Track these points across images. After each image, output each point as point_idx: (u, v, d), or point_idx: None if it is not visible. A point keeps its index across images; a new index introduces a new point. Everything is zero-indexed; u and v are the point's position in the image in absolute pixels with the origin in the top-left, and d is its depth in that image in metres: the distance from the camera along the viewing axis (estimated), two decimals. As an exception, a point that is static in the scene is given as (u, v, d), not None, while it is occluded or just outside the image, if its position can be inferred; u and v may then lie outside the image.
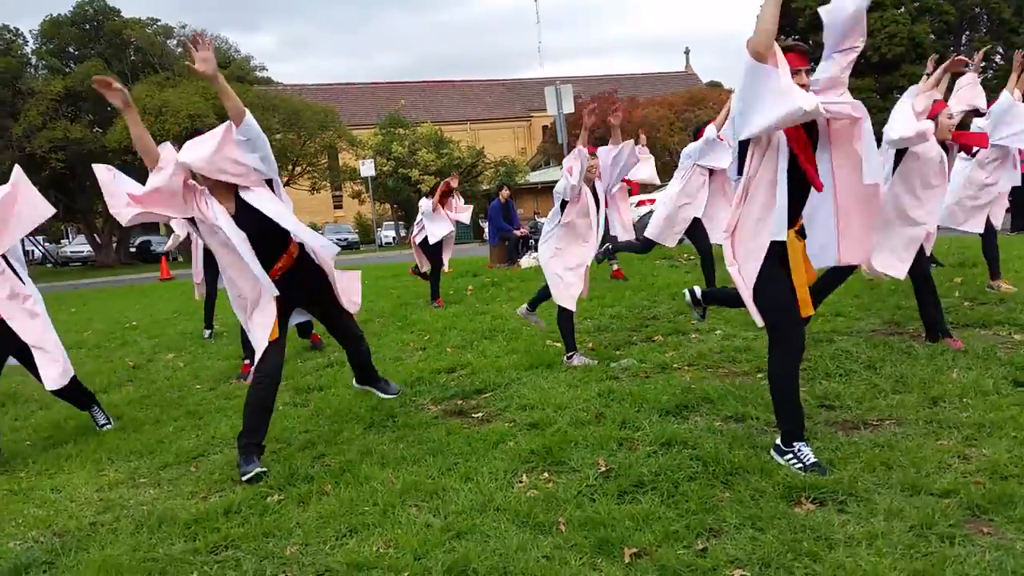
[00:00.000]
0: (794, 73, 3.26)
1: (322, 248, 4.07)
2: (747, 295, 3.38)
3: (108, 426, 5.00)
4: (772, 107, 3.10)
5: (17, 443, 4.96)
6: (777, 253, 3.34)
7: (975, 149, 6.16)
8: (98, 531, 3.37)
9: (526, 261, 13.16)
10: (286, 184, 34.91)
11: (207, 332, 8.33)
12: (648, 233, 7.50)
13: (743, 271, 3.40)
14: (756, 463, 3.31)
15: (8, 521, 3.61)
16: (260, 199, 3.87)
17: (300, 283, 4.12)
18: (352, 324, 4.43)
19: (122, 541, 3.22)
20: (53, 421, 5.32)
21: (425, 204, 9.36)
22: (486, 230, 13.93)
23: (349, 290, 4.34)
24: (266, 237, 3.91)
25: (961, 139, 5.32)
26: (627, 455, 3.56)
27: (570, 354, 5.47)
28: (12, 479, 4.21)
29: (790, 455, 3.30)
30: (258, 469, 3.78)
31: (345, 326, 4.39)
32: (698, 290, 4.74)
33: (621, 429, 3.92)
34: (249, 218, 3.85)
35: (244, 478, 3.74)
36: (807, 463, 3.25)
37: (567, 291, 5.43)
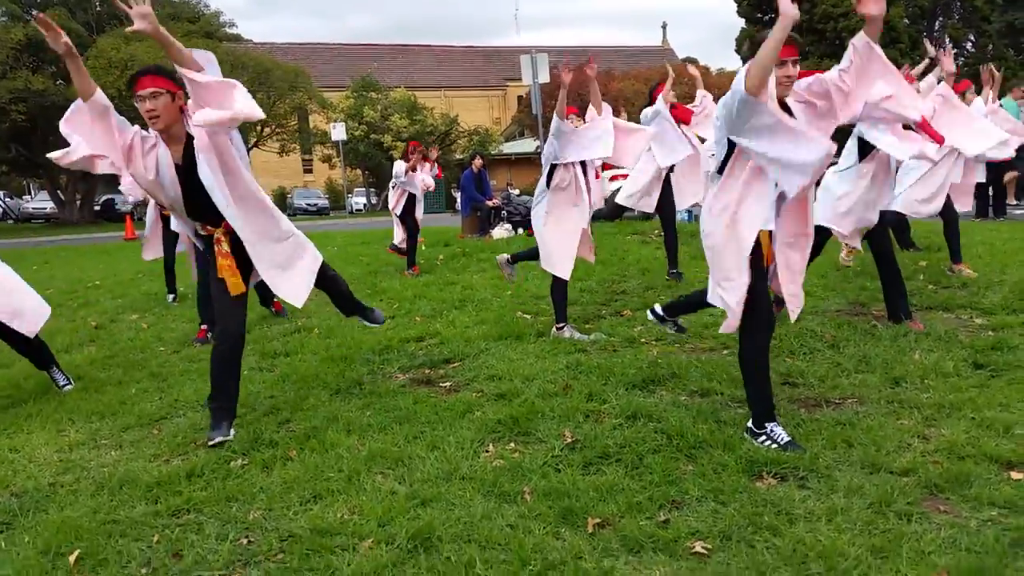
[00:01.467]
0: (780, 64, 3.24)
1: (248, 243, 3.85)
2: (737, 301, 3.33)
3: (68, 387, 4.92)
4: (800, 152, 3.08)
5: (-26, 401, 4.86)
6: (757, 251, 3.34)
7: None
8: (57, 492, 3.32)
9: (498, 232, 13.13)
10: (254, 145, 34.56)
11: (170, 296, 8.19)
12: (621, 199, 7.50)
13: (734, 282, 3.34)
14: (719, 437, 3.35)
15: (-36, 480, 3.54)
16: (209, 163, 3.67)
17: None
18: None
19: (82, 503, 3.18)
20: (12, 380, 5.22)
21: (400, 167, 9.27)
22: (458, 200, 13.84)
23: (290, 289, 4.03)
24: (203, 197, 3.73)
25: (926, 129, 5.38)
26: (593, 427, 3.58)
27: (560, 325, 5.43)
28: (-31, 438, 4.13)
29: (763, 436, 3.34)
30: (222, 437, 3.73)
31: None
32: (659, 307, 4.52)
33: (588, 401, 3.94)
34: (193, 173, 3.69)
35: (209, 443, 3.70)
36: (782, 443, 3.28)
37: (560, 258, 5.32)
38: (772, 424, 3.36)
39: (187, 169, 3.71)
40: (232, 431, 3.83)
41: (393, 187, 9.57)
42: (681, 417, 3.58)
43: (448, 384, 4.55)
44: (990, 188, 11.54)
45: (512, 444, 3.51)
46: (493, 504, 2.92)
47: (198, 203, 3.77)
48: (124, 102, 19.94)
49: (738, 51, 39.01)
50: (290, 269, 4.02)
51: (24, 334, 4.73)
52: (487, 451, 3.45)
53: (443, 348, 5.31)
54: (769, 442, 3.30)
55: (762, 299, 3.38)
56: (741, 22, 38.76)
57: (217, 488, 3.22)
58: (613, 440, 3.38)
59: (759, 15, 38.02)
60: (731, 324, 3.41)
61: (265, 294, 6.72)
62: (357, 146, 33.02)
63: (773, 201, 3.30)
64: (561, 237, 5.33)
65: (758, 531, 2.62)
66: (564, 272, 5.34)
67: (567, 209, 5.33)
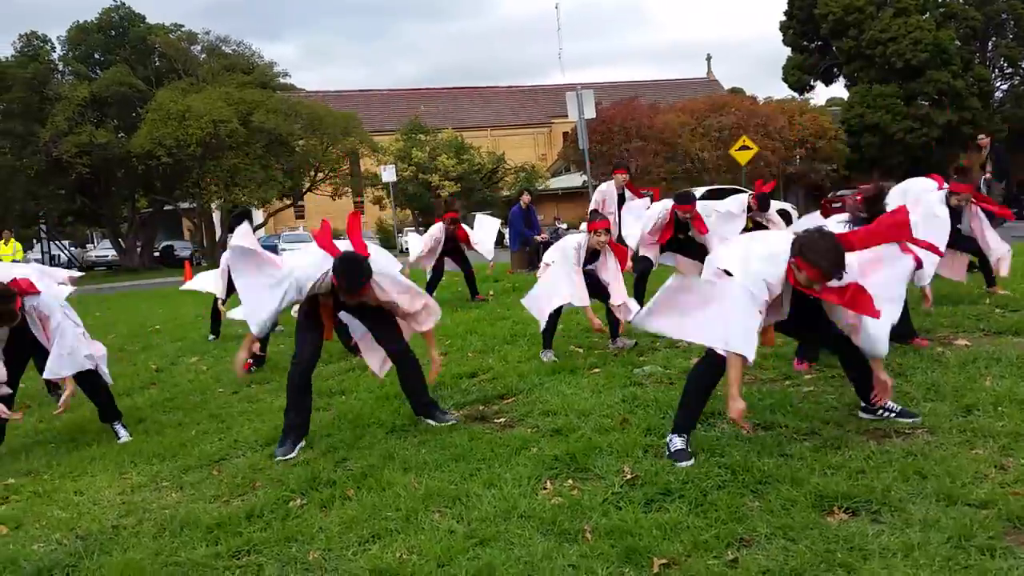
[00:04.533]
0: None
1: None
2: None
3: (127, 439, 4.91)
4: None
5: (41, 444, 4.98)
6: None
7: None
8: (120, 534, 3.36)
9: (547, 267, 13.12)
10: (308, 190, 35.27)
11: (211, 336, 8.71)
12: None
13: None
14: (786, 471, 3.24)
15: (32, 523, 3.61)
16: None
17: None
18: (399, 336, 4.50)
19: (144, 544, 3.21)
20: (77, 423, 5.34)
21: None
22: (507, 235, 13.91)
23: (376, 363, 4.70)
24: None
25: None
26: (653, 463, 3.50)
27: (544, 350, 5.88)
28: (36, 481, 4.22)
29: (670, 443, 3.57)
30: (282, 456, 4.12)
31: (391, 338, 4.50)
32: (677, 440, 3.69)
33: (646, 436, 3.86)
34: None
35: (274, 458, 4.10)
36: (671, 451, 3.53)
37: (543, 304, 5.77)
38: (681, 437, 3.56)
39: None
40: (295, 452, 4.16)
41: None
42: (745, 451, 3.48)
43: (503, 420, 4.51)
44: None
45: (570, 481, 3.44)
46: (553, 543, 2.85)
47: None
48: (182, 151, 20.63)
49: (785, 80, 38.76)
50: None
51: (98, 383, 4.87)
52: (545, 488, 3.39)
53: (496, 384, 5.28)
54: (667, 449, 3.55)
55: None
56: (787, 51, 38.55)
57: (277, 528, 3.22)
58: (675, 476, 3.30)
59: (805, 43, 37.81)
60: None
61: (345, 339, 6.72)
62: (406, 187, 33.49)
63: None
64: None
65: (831, 568, 2.51)
66: (540, 315, 5.78)
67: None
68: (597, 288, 5.90)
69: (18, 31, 44.72)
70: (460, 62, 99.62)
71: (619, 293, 5.87)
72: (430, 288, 9.52)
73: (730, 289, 3.45)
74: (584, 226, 6.19)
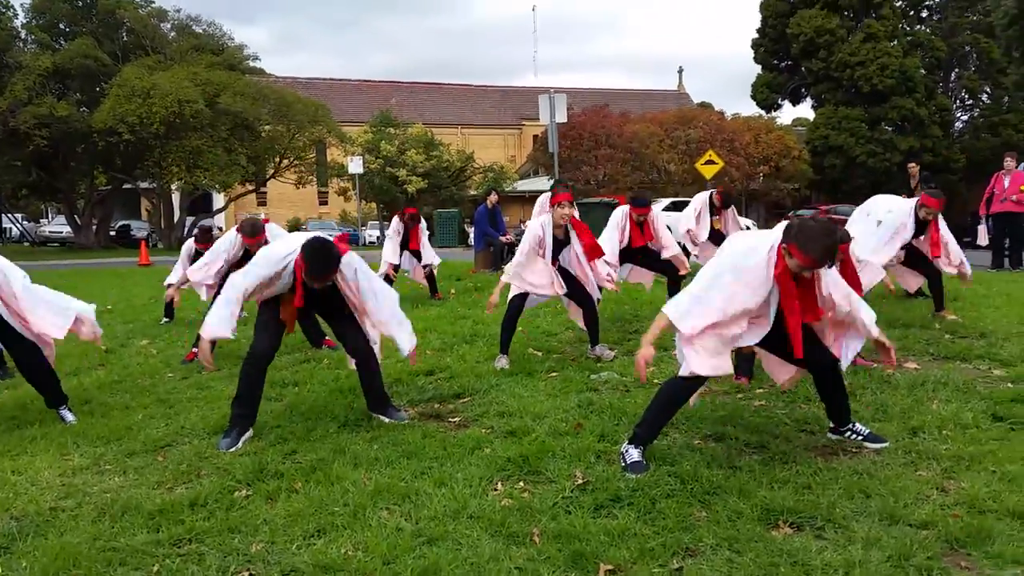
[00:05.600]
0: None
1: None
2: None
3: (73, 421, 4.74)
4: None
5: (-21, 422, 4.82)
6: None
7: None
8: (58, 517, 3.27)
9: (510, 268, 13.11)
10: (271, 177, 34.84)
11: (165, 319, 8.61)
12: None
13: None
14: (735, 483, 3.27)
15: (-35, 501, 3.49)
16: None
17: (324, 295, 4.27)
18: (363, 340, 4.45)
19: (83, 529, 3.13)
20: (19, 400, 5.19)
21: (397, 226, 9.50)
22: (471, 235, 13.89)
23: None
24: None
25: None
26: (605, 468, 3.51)
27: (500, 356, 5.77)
28: (-28, 458, 4.09)
29: (627, 453, 3.56)
30: (226, 447, 4.02)
31: (356, 340, 4.45)
32: (634, 451, 3.61)
33: (600, 442, 3.87)
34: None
35: (218, 449, 4.02)
36: (627, 463, 3.50)
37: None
38: (637, 449, 3.55)
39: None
40: (240, 443, 4.08)
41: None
42: (695, 461, 3.51)
43: (457, 419, 4.49)
44: (1006, 240, 11.48)
45: (521, 483, 3.44)
46: (501, 545, 2.84)
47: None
48: (145, 129, 20.29)
49: (754, 97, 39.31)
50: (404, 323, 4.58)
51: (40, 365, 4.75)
52: (496, 489, 3.38)
53: (453, 383, 5.25)
54: (622, 460, 3.55)
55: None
56: (757, 68, 39.12)
57: (220, 518, 3.16)
58: (625, 483, 3.31)
59: (775, 62, 38.40)
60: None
61: (311, 336, 6.63)
62: (373, 179, 33.25)
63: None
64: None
65: (774, 582, 2.54)
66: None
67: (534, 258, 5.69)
68: (574, 287, 5.79)
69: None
70: (434, 58, 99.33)
71: (593, 289, 5.82)
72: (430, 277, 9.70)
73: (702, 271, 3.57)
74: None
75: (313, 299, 4.30)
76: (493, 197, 13.88)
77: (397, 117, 37.67)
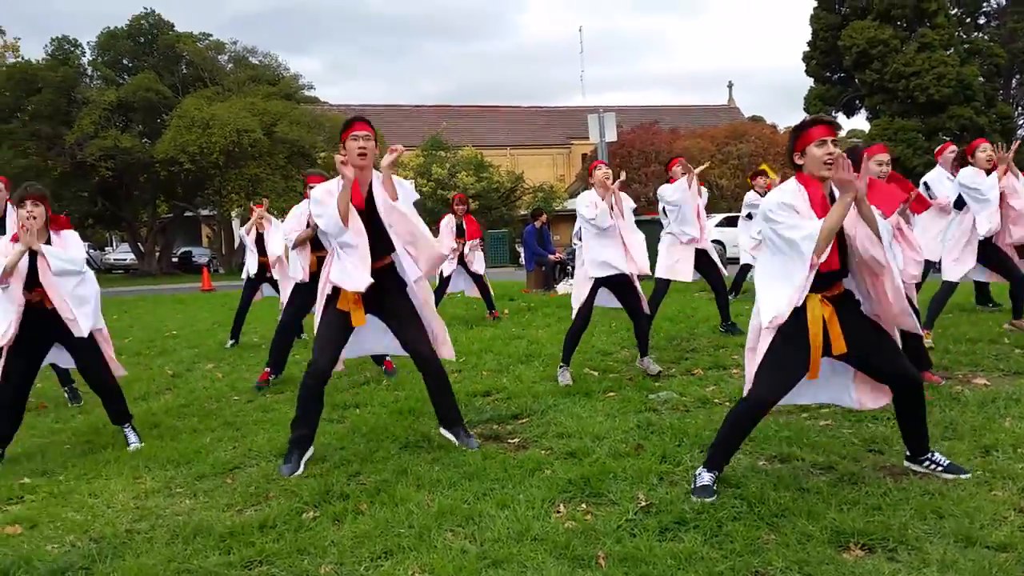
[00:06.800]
0: (820, 143, 3.38)
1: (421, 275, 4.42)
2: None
3: (136, 446, 4.85)
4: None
5: (56, 446, 5.00)
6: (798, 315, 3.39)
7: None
8: (134, 539, 3.37)
9: (563, 287, 13.13)
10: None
11: (231, 342, 8.82)
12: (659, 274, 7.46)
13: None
14: (803, 505, 3.22)
15: (46, 523, 3.62)
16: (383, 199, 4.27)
17: (387, 289, 4.31)
18: (426, 343, 4.43)
19: (157, 551, 3.21)
20: (92, 425, 5.37)
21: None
22: (522, 255, 13.95)
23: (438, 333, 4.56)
24: (381, 233, 4.24)
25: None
26: (668, 490, 3.48)
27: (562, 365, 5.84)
28: (51, 481, 4.24)
29: (699, 476, 3.50)
30: (288, 472, 4.06)
31: (418, 342, 4.41)
32: (706, 475, 3.54)
33: (661, 463, 3.84)
34: (372, 209, 4.26)
35: (281, 475, 4.06)
36: (695, 485, 3.45)
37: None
38: (711, 473, 3.48)
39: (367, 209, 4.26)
40: (302, 467, 4.11)
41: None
42: (761, 483, 3.46)
43: (516, 440, 4.50)
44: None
45: (584, 505, 3.43)
46: (566, 568, 2.84)
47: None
48: (205, 158, 20.94)
49: (806, 110, 38.77)
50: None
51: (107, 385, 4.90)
52: (558, 511, 3.38)
53: (510, 403, 5.28)
54: (694, 481, 3.48)
55: (784, 389, 3.47)
56: (808, 81, 38.60)
57: (289, 540, 3.22)
58: (690, 505, 3.28)
59: (827, 74, 37.83)
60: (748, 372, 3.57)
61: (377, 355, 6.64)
62: (425, 202, 33.65)
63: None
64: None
65: (847, 607, 2.48)
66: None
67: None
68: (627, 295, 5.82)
69: (51, 35, 45.46)
70: (482, 82, 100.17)
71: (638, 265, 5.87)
72: (437, 297, 9.58)
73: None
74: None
75: (375, 296, 4.26)
76: (543, 217, 13.97)
77: (447, 140, 38.11)
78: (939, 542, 2.89)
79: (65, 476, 4.32)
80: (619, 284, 5.78)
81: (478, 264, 9.80)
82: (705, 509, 3.23)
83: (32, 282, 4.61)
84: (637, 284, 5.85)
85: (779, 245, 3.37)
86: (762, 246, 3.57)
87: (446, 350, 4.59)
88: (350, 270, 4.18)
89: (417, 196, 4.55)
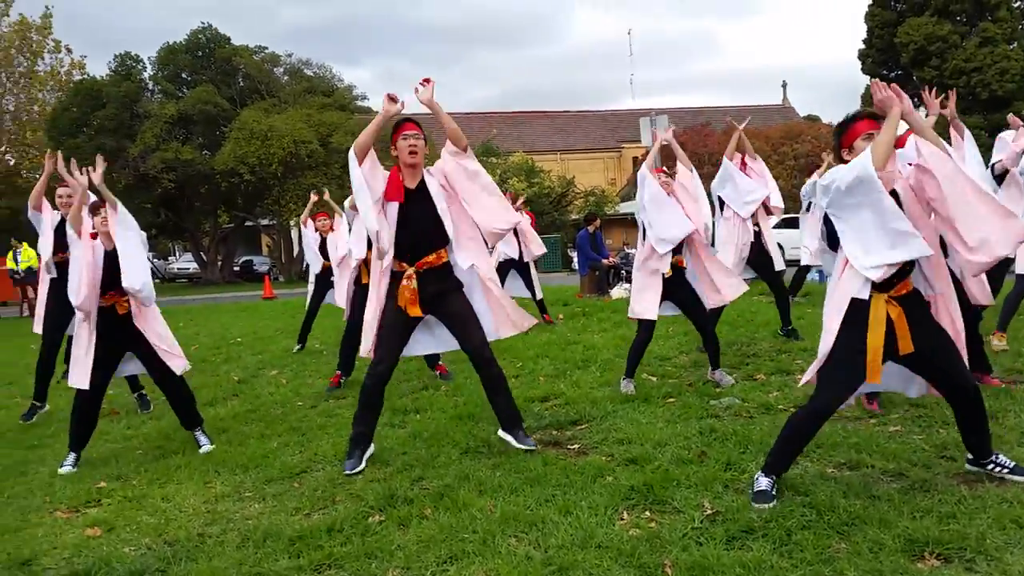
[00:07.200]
0: (867, 136, 3.37)
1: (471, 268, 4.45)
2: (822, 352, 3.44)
3: (207, 448, 5.00)
4: (891, 249, 3.23)
5: (129, 451, 5.16)
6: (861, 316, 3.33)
7: None
8: (206, 542, 3.45)
9: (617, 292, 13.06)
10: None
11: (298, 346, 9.01)
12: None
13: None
14: (874, 513, 3.15)
15: (122, 526, 3.74)
16: (438, 190, 4.41)
17: (437, 284, 4.36)
18: (484, 342, 4.44)
19: (228, 554, 3.29)
20: (163, 431, 5.53)
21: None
22: (575, 259, 13.91)
23: (507, 316, 4.56)
24: (427, 232, 4.32)
25: None
26: (734, 498, 3.44)
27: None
28: (125, 486, 4.38)
29: (757, 481, 3.45)
30: (350, 470, 4.20)
31: (475, 341, 4.41)
32: (764, 480, 3.48)
33: (726, 471, 3.79)
34: (422, 201, 4.36)
35: (345, 472, 4.20)
36: (755, 489, 3.40)
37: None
38: (768, 478, 3.42)
39: (416, 201, 4.37)
40: (363, 463, 4.26)
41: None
42: (830, 491, 3.39)
43: (576, 446, 4.49)
44: None
45: (647, 513, 3.41)
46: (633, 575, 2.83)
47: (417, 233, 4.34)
48: (264, 169, 21.32)
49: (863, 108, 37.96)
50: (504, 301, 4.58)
51: (179, 391, 5.06)
52: (622, 519, 3.37)
53: (569, 409, 5.27)
54: (751, 487, 3.45)
55: (849, 387, 3.40)
56: (864, 78, 37.76)
57: (356, 544, 3.27)
58: (758, 514, 3.23)
59: (884, 72, 36.96)
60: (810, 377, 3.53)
61: (430, 358, 6.74)
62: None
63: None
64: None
65: (925, 618, 2.42)
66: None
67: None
68: (688, 301, 5.71)
69: (114, 52, 47.00)
70: (532, 87, 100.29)
71: (727, 288, 5.75)
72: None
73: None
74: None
75: (431, 296, 4.34)
76: (596, 222, 13.93)
77: (498, 146, 38.26)
78: (1020, 552, 2.80)
79: (138, 480, 4.46)
80: (684, 300, 5.70)
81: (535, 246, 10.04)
82: (773, 517, 3.18)
83: (108, 286, 4.82)
84: (705, 298, 5.75)
85: (845, 201, 3.25)
86: (838, 223, 3.39)
87: (512, 327, 4.59)
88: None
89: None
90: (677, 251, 5.58)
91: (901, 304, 3.36)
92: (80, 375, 4.80)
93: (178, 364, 5.07)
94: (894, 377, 3.68)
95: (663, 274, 5.54)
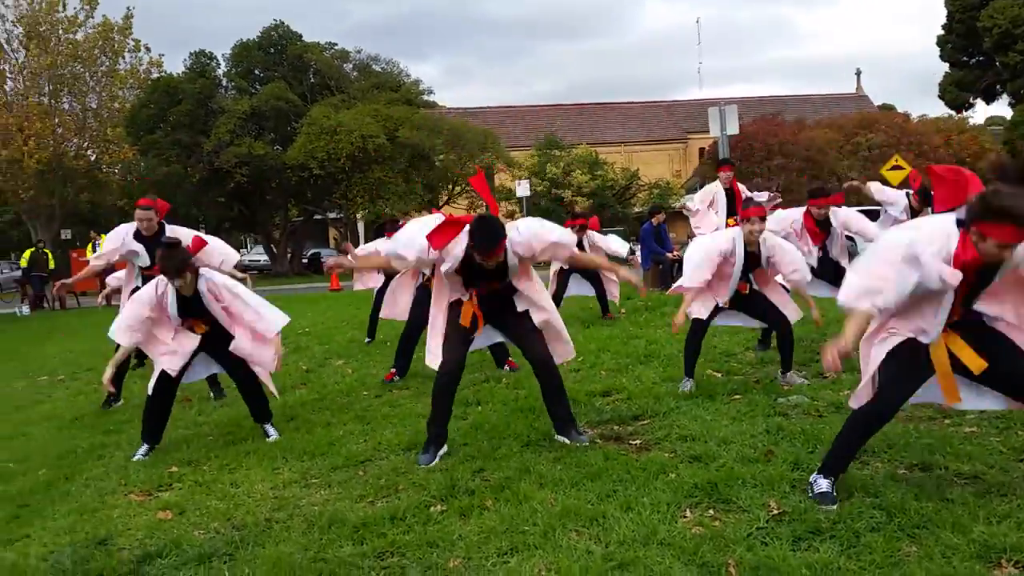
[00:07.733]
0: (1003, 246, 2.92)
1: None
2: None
3: (275, 437, 5.11)
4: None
5: (200, 437, 5.32)
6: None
7: None
8: (273, 528, 3.54)
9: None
10: (445, 203, 36.37)
11: (368, 340, 9.13)
12: None
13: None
14: (947, 517, 3.04)
15: (193, 510, 3.86)
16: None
17: (499, 302, 4.47)
18: (544, 348, 4.53)
19: (295, 539, 3.37)
20: (233, 418, 5.68)
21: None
22: (638, 253, 13.74)
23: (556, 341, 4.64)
24: (486, 272, 4.30)
25: None
26: (801, 499, 3.36)
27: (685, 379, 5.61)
28: (196, 471, 4.51)
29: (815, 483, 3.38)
30: (425, 463, 4.23)
31: (535, 347, 4.51)
32: (823, 482, 3.41)
33: (793, 470, 3.71)
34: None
35: (418, 464, 4.25)
36: (814, 492, 3.33)
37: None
38: (827, 480, 3.35)
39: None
40: (436, 459, 4.27)
41: None
42: (901, 492, 3.29)
43: (638, 442, 4.45)
44: None
45: (711, 511, 3.36)
46: (695, 574, 2.80)
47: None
48: (333, 164, 21.67)
49: (941, 97, 36.58)
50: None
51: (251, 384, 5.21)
52: (684, 516, 3.33)
53: (631, 404, 5.23)
54: (809, 489, 3.37)
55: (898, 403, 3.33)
56: (944, 66, 36.39)
57: (419, 532, 3.31)
58: (825, 514, 3.16)
59: (964, 58, 35.56)
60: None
61: (498, 356, 6.81)
62: (539, 202, 33.82)
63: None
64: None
65: (1002, 628, 2.33)
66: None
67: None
68: (760, 308, 5.57)
69: (189, 50, 48.43)
70: (597, 79, 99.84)
71: (789, 309, 5.61)
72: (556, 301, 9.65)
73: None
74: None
75: (492, 312, 4.47)
76: (661, 216, 13.77)
77: (561, 139, 38.14)
78: (1105, 563, 2.67)
79: (208, 466, 4.59)
80: (761, 313, 5.61)
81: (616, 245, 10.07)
82: (842, 519, 3.10)
83: (187, 313, 5.03)
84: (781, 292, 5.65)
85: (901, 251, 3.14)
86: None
87: (562, 349, 4.67)
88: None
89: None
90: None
91: (952, 328, 3.24)
92: (172, 362, 4.99)
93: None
94: (972, 394, 3.45)
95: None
